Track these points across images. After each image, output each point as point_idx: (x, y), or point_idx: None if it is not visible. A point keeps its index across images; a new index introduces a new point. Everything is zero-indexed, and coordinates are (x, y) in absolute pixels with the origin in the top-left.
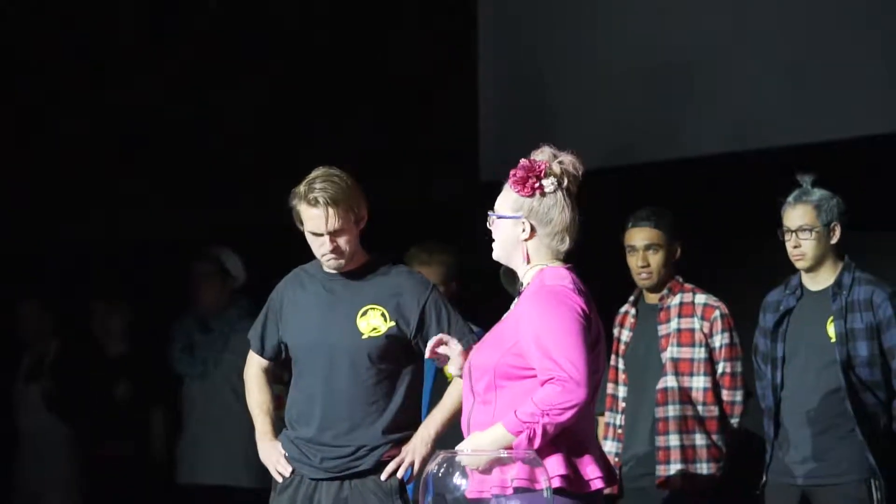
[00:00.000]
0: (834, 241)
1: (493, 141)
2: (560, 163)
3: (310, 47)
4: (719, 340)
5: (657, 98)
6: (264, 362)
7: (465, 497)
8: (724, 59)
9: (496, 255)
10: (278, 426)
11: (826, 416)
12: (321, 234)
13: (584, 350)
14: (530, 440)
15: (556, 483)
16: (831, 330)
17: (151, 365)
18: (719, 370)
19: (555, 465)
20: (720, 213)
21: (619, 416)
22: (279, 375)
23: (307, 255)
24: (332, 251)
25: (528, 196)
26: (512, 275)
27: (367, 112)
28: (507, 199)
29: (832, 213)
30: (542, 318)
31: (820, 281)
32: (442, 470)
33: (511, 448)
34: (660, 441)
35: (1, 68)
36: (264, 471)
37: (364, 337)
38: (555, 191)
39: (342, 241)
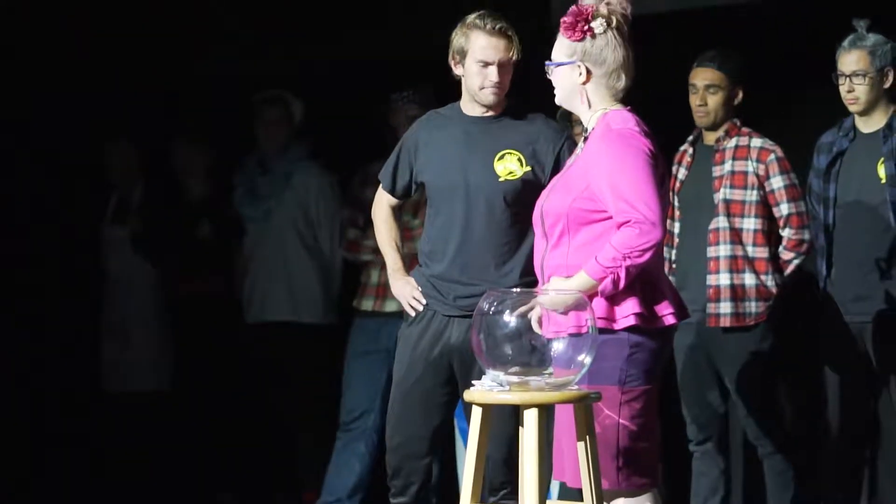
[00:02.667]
0: (887, 85)
1: None
2: (607, 4)
3: None
4: (778, 182)
5: None
6: (393, 200)
7: (513, 333)
8: None
9: (559, 101)
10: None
11: (877, 256)
12: (491, 64)
13: (656, 190)
14: (615, 283)
15: (631, 321)
16: (882, 171)
17: (233, 205)
18: (784, 211)
19: (629, 304)
20: (782, 56)
21: (672, 251)
22: (355, 220)
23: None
24: (498, 83)
25: (579, 40)
26: (568, 119)
27: None
28: (562, 47)
29: (886, 58)
30: (613, 161)
31: (872, 123)
32: (493, 308)
33: (595, 293)
34: (710, 280)
35: None
36: (329, 307)
37: (500, 180)
38: (604, 31)
39: (507, 76)
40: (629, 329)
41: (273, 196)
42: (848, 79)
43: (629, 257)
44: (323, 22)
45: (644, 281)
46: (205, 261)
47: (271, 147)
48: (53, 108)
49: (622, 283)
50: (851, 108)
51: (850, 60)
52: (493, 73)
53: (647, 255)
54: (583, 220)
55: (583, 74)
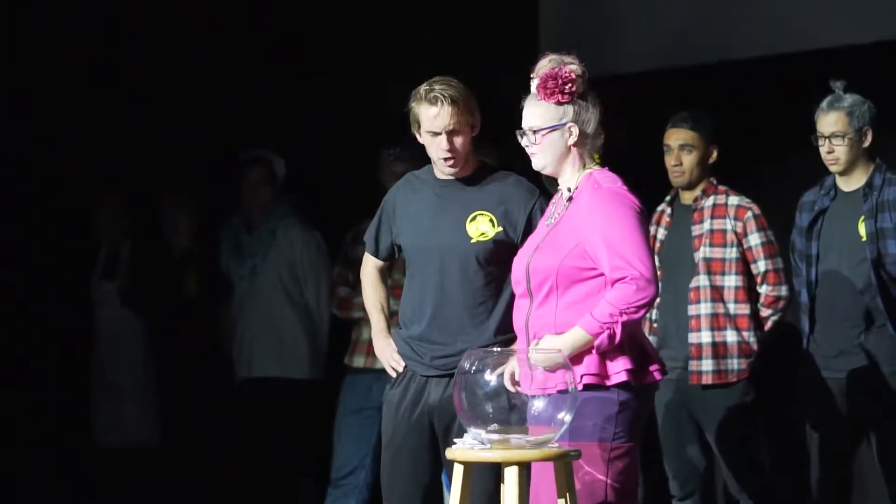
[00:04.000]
0: (866, 144)
1: (553, 41)
2: (572, 64)
3: None
4: (755, 239)
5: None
6: (379, 262)
7: (494, 392)
8: None
9: (541, 168)
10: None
11: (859, 312)
12: (439, 134)
13: (649, 248)
14: (611, 339)
15: (623, 377)
16: (862, 229)
17: (217, 261)
18: (762, 268)
19: (621, 361)
20: (764, 114)
21: (654, 311)
22: (345, 278)
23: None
24: (449, 150)
25: (568, 102)
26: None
27: (428, 13)
28: (547, 112)
29: (864, 119)
30: (606, 219)
31: (852, 182)
32: (474, 367)
33: (590, 349)
34: (692, 338)
35: None
36: (317, 362)
37: (472, 241)
38: (584, 90)
39: (458, 143)
40: (618, 386)
41: (258, 253)
42: (827, 140)
43: (626, 313)
44: (312, 78)
45: (631, 339)
46: (193, 315)
47: (255, 206)
48: (42, 166)
49: (617, 339)
50: (832, 169)
51: (829, 122)
52: (442, 143)
53: (642, 312)
54: (572, 279)
55: (574, 135)
